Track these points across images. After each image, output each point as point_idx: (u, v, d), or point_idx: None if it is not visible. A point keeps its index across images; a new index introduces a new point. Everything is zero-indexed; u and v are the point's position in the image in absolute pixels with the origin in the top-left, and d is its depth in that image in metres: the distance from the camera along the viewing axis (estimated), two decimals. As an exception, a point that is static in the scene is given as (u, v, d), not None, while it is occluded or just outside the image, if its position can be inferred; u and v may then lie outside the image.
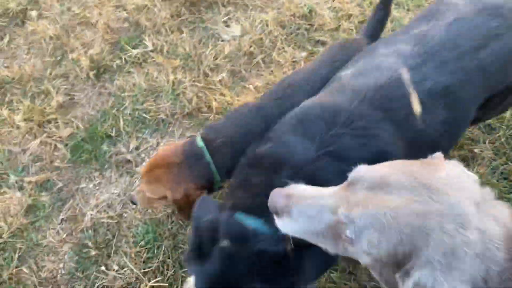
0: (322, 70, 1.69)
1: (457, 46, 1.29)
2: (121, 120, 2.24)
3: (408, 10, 2.55)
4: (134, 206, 1.95)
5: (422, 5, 2.59)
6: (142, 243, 1.91)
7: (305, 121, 1.31)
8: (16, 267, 1.89)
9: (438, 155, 0.98)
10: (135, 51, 2.45)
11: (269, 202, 1.04)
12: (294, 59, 2.40)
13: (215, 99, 2.26)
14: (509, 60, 1.34)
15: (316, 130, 1.25)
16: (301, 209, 0.99)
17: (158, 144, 2.21)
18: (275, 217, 1.05)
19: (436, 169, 0.90)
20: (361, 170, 0.96)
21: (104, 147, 2.18)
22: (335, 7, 2.58)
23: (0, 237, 1.95)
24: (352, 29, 2.47)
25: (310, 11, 2.57)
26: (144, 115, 2.27)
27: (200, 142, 1.60)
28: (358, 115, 1.24)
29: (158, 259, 1.86)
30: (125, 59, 2.45)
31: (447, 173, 0.89)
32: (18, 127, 2.22)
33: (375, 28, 1.85)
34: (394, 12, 2.50)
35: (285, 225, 1.02)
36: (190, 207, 1.55)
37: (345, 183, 0.98)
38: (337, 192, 0.97)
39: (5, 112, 2.26)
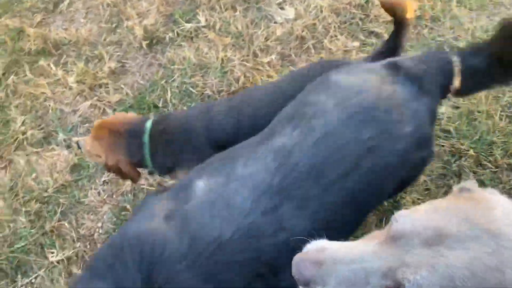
0: (287, 88, 1.56)
1: (323, 174, 1.07)
2: (169, 92, 2.28)
3: (470, 9, 2.46)
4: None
5: (485, 5, 2.49)
6: (178, 213, 1.96)
7: (123, 263, 1.05)
8: (58, 221, 1.98)
9: (473, 185, 0.90)
10: (188, 25, 2.48)
11: (294, 273, 0.86)
12: (346, 48, 2.36)
13: (262, 80, 2.27)
14: (384, 176, 1.14)
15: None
16: (341, 277, 0.82)
17: (201, 119, 2.25)
18: None
19: (488, 208, 0.82)
20: (406, 221, 0.82)
21: (151, 116, 2.23)
22: (393, -1, 2.51)
23: (46, 191, 2.04)
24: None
25: (367, 1, 2.51)
26: (191, 89, 2.30)
27: (148, 123, 1.60)
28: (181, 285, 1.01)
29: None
30: (177, 32, 2.48)
31: (502, 211, 0.81)
32: (70, 88, 2.30)
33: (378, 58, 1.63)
34: (455, 10, 2.41)
35: None
36: (123, 175, 1.62)
37: (385, 237, 0.84)
38: (382, 250, 0.83)
39: (60, 72, 2.34)
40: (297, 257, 0.87)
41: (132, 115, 1.74)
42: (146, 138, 1.57)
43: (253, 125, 1.45)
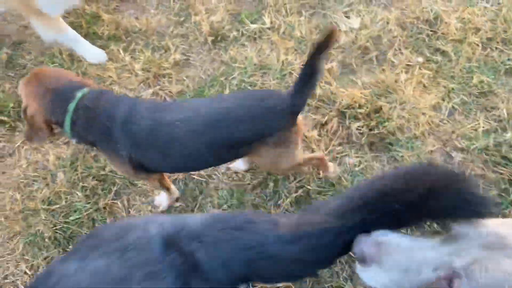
0: (206, 111, 1.52)
1: None
2: (227, 89, 2.33)
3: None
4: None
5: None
6: (225, 206, 2.00)
7: None
8: (112, 200, 2.08)
9: None
10: (253, 26, 2.53)
11: (355, 248, 0.96)
12: (409, 63, 2.33)
13: (320, 87, 2.28)
14: None
15: None
16: (396, 261, 0.90)
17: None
18: (358, 265, 0.97)
19: None
20: (469, 226, 0.89)
21: (207, 109, 2.29)
22: (463, 18, 2.45)
23: (103, 169, 2.14)
24: (478, 45, 2.34)
25: (436, 18, 2.47)
26: (249, 87, 2.34)
27: (80, 93, 1.57)
28: None
29: (237, 225, 1.95)
30: (242, 32, 2.53)
31: None
32: (136, 75, 2.41)
33: (301, 87, 1.49)
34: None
35: (372, 276, 0.95)
36: (32, 129, 1.60)
37: (447, 236, 0.91)
38: (440, 245, 0.89)
39: (127, 58, 2.46)
40: (360, 237, 0.95)
41: (73, 76, 1.70)
42: (71, 106, 1.55)
43: (168, 133, 1.50)
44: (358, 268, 0.97)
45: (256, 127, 1.51)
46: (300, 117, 1.59)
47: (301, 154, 1.74)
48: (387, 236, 0.95)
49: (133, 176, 1.82)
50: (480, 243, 0.84)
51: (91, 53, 2.48)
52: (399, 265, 0.89)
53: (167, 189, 1.93)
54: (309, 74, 1.46)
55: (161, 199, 2.02)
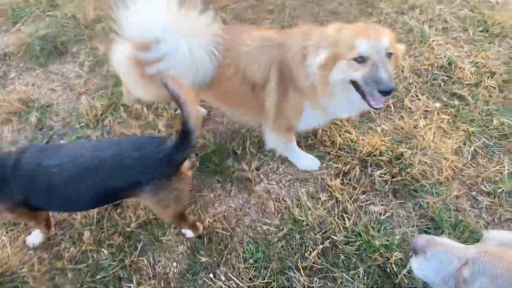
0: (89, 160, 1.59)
1: None
2: (248, 141, 2.38)
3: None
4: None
5: None
6: (251, 260, 1.98)
7: None
8: (137, 257, 2.08)
9: None
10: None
11: (412, 242, 1.27)
12: (426, 109, 2.36)
13: (340, 135, 2.30)
14: None
15: None
16: (436, 253, 1.19)
17: (277, 167, 2.31)
18: (413, 257, 1.26)
19: None
20: (496, 231, 1.18)
21: (229, 162, 2.32)
22: (477, 62, 2.50)
23: (128, 226, 2.16)
24: (494, 87, 2.36)
25: (450, 63, 2.52)
26: (268, 139, 2.38)
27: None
28: None
29: (264, 279, 1.92)
30: (260, 85, 2.61)
31: None
32: (159, 131, 2.48)
33: (184, 137, 1.53)
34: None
35: (419, 265, 1.22)
36: None
37: (480, 242, 1.19)
38: (472, 247, 1.15)
39: (151, 116, 2.54)
40: (417, 235, 1.30)
41: None
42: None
43: (47, 178, 1.58)
44: (412, 260, 1.25)
45: (130, 176, 1.57)
46: (185, 165, 1.66)
47: (185, 199, 1.81)
48: (436, 237, 1.24)
49: (27, 218, 1.88)
50: (497, 241, 1.11)
51: (304, 161, 2.32)
52: (437, 256, 1.17)
53: (48, 228, 2.10)
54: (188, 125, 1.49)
55: (34, 237, 2.14)
